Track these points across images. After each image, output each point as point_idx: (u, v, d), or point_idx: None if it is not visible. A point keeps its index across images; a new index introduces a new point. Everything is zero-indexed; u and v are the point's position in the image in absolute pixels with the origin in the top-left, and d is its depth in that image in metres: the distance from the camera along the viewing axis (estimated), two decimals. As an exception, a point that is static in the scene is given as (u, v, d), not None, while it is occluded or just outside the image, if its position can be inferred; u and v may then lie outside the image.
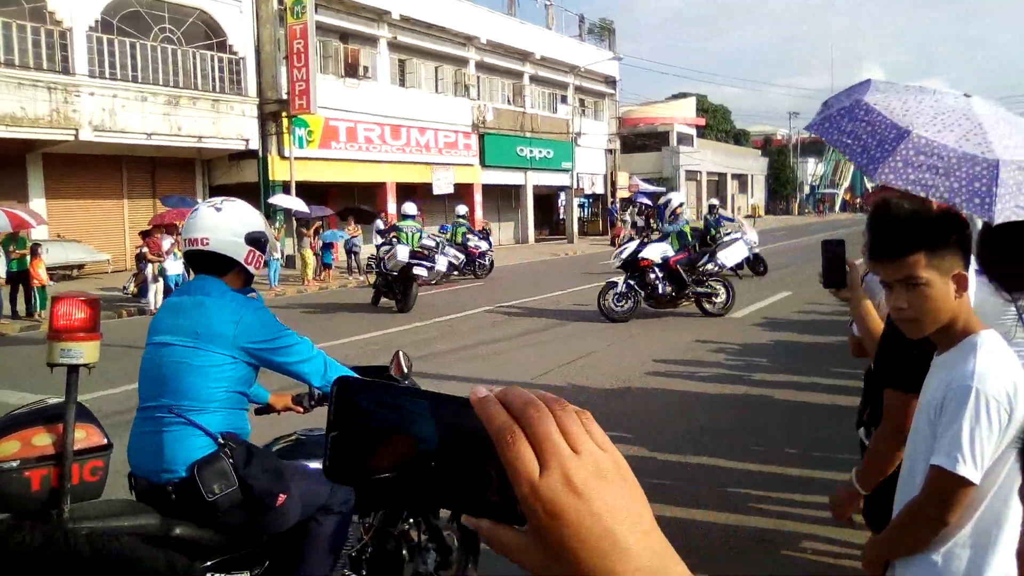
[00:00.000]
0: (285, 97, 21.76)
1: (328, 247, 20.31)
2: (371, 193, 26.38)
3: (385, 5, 25.65)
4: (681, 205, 13.20)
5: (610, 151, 39.50)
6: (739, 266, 16.78)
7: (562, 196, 37.44)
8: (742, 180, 60.87)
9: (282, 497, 2.48)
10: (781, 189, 64.69)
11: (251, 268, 2.68)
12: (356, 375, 2.75)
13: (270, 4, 21.81)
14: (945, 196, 2.35)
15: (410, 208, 15.38)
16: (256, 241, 2.66)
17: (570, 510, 0.51)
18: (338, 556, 2.77)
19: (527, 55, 32.97)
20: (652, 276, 12.04)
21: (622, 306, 12.08)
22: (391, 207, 25.85)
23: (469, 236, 20.12)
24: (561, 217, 37.41)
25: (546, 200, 37.24)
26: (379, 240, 21.72)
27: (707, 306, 12.42)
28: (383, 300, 14.49)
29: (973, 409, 1.66)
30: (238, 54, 21.59)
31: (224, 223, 2.60)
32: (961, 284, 1.75)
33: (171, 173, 22.11)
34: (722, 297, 12.35)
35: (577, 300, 15.06)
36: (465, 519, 0.55)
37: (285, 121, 21.92)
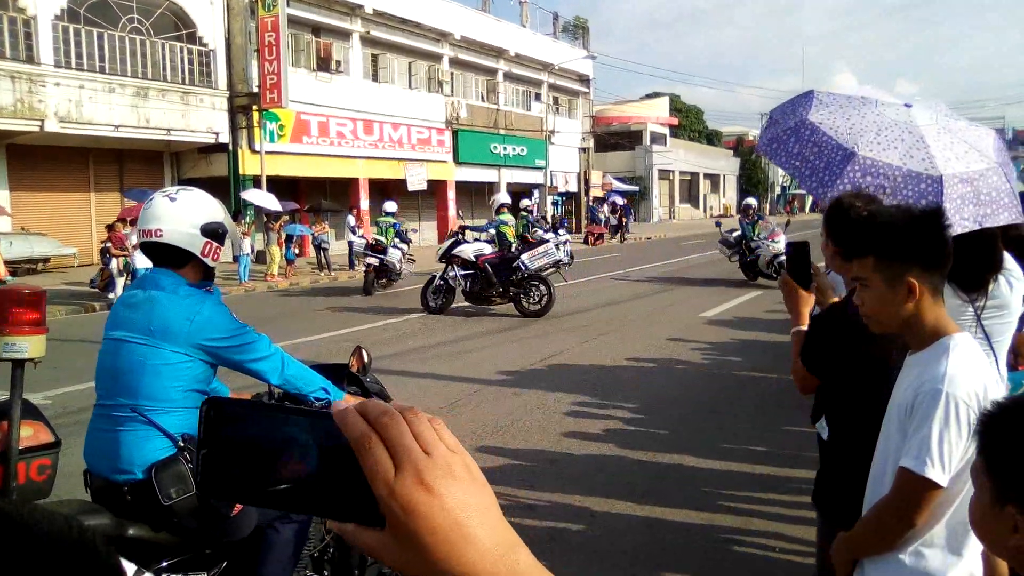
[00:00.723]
0: (256, 90, 21.49)
1: (289, 240, 20.13)
2: (343, 189, 26.16)
3: (358, -1, 25.46)
4: (504, 205, 13.96)
5: (584, 149, 39.57)
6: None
7: (535, 194, 37.40)
8: (714, 180, 61.33)
9: (238, 507, 2.40)
10: (752, 189, 65.20)
11: (208, 261, 2.57)
12: (314, 372, 2.68)
13: (241, -4, 21.54)
14: None
15: (389, 205, 16.83)
16: (213, 233, 2.55)
17: (423, 506, 0.55)
18: (297, 560, 2.69)
19: (501, 52, 32.89)
20: (452, 273, 12.70)
21: (436, 299, 12.78)
22: (363, 203, 25.67)
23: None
24: (533, 215, 37.37)
25: (520, 197, 37.18)
26: (352, 236, 21.61)
27: (525, 305, 12.53)
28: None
29: (943, 412, 1.66)
30: (208, 46, 21.27)
31: (179, 214, 2.49)
32: (912, 291, 1.75)
33: (139, 166, 21.74)
34: (537, 298, 12.45)
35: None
36: (331, 524, 0.59)
37: (256, 115, 21.65)
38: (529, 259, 12.32)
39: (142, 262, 14.14)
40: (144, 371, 2.36)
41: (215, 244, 2.55)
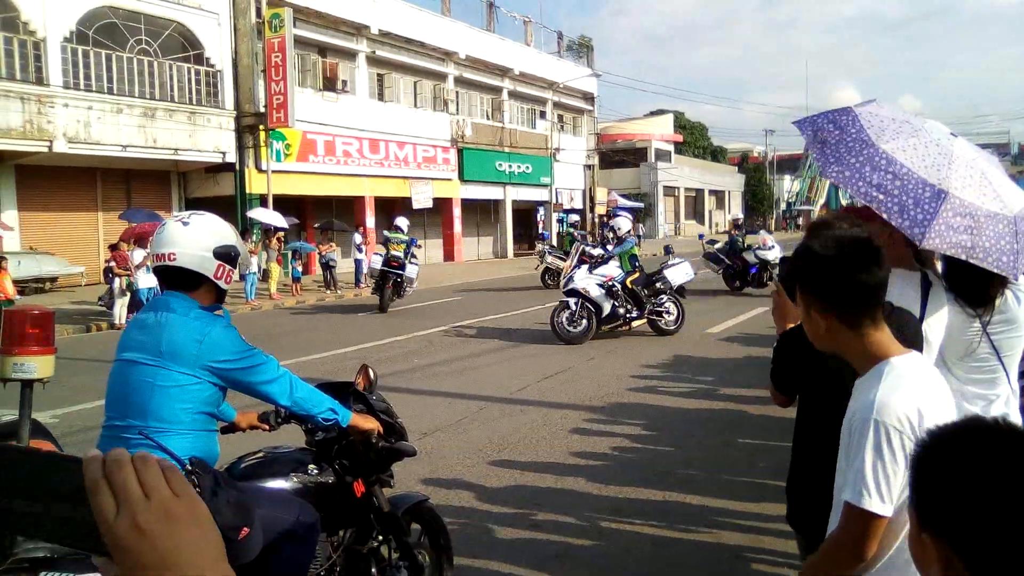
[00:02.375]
0: (263, 110, 21.65)
1: (294, 258, 20.18)
2: (349, 207, 26.26)
3: (364, 20, 25.64)
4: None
5: (589, 166, 39.68)
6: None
7: (541, 211, 37.50)
8: (719, 196, 61.35)
9: (245, 531, 2.40)
10: (758, 206, 65.20)
11: (221, 283, 2.60)
12: (322, 393, 2.69)
13: (248, 17, 21.73)
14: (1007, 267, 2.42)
15: (401, 222, 16.82)
16: (226, 256, 2.58)
17: (134, 547, 0.63)
18: None
19: (506, 71, 33.09)
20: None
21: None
22: (369, 221, 25.76)
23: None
24: (540, 232, 37.47)
25: (525, 215, 37.28)
26: (359, 254, 21.73)
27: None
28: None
29: (873, 441, 1.64)
30: (215, 67, 21.46)
31: (192, 237, 2.53)
32: (815, 323, 1.81)
33: (147, 186, 21.88)
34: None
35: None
36: (95, 559, 0.68)
37: (263, 134, 21.79)
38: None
39: (145, 282, 14.22)
40: (153, 393, 2.38)
41: (228, 267, 2.58)
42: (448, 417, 7.36)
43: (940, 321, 2.59)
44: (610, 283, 11.90)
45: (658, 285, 12.36)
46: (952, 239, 2.38)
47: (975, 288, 2.59)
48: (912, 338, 2.26)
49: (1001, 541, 0.88)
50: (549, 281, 19.74)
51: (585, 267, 12.26)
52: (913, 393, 1.68)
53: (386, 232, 17.26)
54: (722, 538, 4.53)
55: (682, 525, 4.71)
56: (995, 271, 2.49)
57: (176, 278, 2.54)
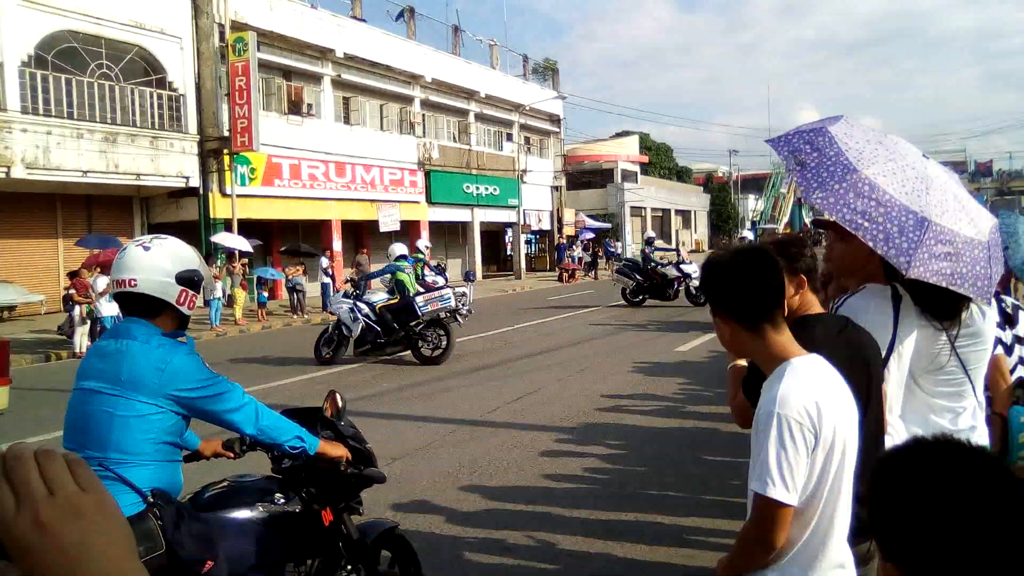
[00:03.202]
0: (227, 134, 21.47)
1: (261, 283, 19.95)
2: (316, 231, 26.08)
3: (329, 44, 25.62)
4: (403, 255, 12.97)
5: (556, 188, 39.89)
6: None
7: (509, 232, 37.57)
8: (685, 216, 61.99)
9: (209, 563, 2.33)
10: (723, 225, 66.01)
11: (184, 309, 2.53)
12: (288, 420, 2.63)
13: (211, 41, 21.60)
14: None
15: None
16: (189, 281, 2.52)
17: (35, 546, 0.59)
18: None
19: (472, 93, 33.22)
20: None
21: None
22: (336, 245, 25.59)
23: (427, 271, 20.10)
24: (508, 253, 37.51)
25: (493, 236, 37.33)
26: (326, 278, 21.48)
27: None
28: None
29: (776, 433, 1.73)
30: (178, 91, 21.25)
31: (153, 262, 2.46)
32: (721, 331, 1.95)
33: (108, 212, 21.52)
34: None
35: (525, 336, 15.02)
36: None
37: (227, 158, 21.59)
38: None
39: (107, 310, 13.94)
40: (113, 423, 2.30)
41: (191, 292, 2.52)
42: (417, 441, 7.28)
43: (911, 334, 2.61)
44: (362, 308, 12.20)
45: (415, 315, 12.07)
46: (934, 267, 2.41)
47: (942, 303, 2.62)
48: (871, 357, 2.27)
49: (954, 563, 0.87)
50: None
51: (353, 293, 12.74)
52: (812, 388, 1.77)
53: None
54: (696, 559, 4.51)
55: (656, 546, 4.69)
56: (972, 296, 2.52)
57: (137, 304, 2.47)
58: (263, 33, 22.69)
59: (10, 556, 0.60)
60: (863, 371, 2.22)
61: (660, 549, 4.64)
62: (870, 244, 2.42)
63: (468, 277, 20.79)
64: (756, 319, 1.89)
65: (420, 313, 12.00)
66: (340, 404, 3.00)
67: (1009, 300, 3.31)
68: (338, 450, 2.76)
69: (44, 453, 0.64)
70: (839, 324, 2.34)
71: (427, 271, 18.79)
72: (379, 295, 12.72)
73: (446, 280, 19.84)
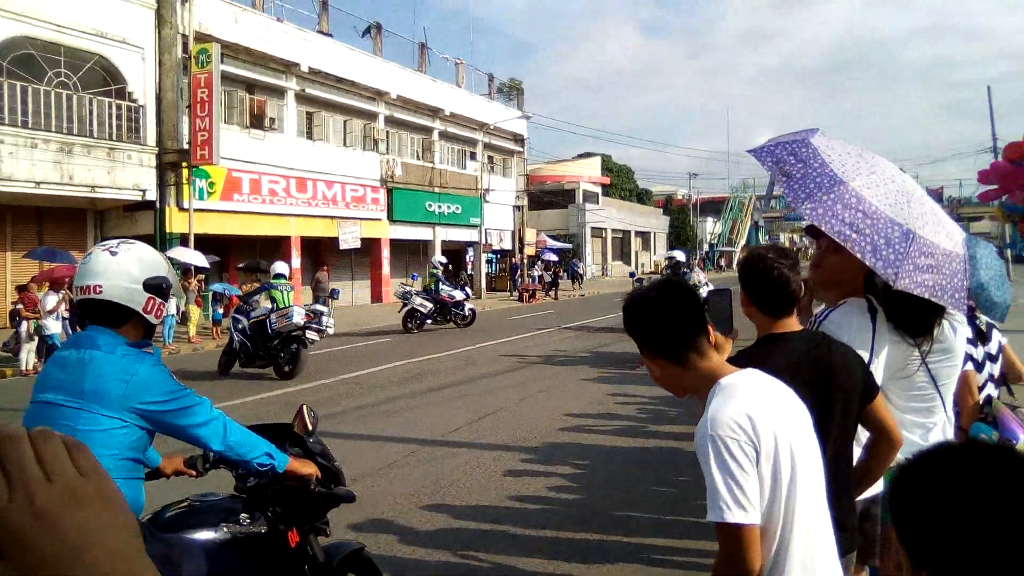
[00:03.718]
0: (186, 147, 21.12)
1: (216, 300, 19.59)
2: (275, 247, 25.74)
3: (294, 57, 25.44)
4: (281, 275, 13.39)
5: (518, 207, 40.00)
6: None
7: (470, 252, 37.54)
8: (645, 237, 62.63)
9: None
10: (682, 247, 66.84)
11: (151, 318, 2.43)
12: (257, 436, 2.55)
13: (174, 52, 21.30)
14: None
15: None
16: (157, 288, 2.42)
17: (31, 536, 0.54)
18: None
19: (437, 111, 33.24)
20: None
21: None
22: (296, 261, 25.28)
23: (442, 286, 20.61)
24: (469, 273, 37.46)
25: (455, 255, 37.26)
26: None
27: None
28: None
29: (714, 455, 1.69)
30: (138, 101, 20.87)
31: (120, 268, 2.36)
32: (652, 371, 1.93)
33: (60, 225, 20.98)
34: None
35: (485, 355, 14.95)
36: None
37: (185, 172, 21.23)
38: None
39: (54, 328, 13.53)
40: (74, 438, 2.20)
41: (159, 300, 2.42)
42: (378, 461, 7.17)
43: (884, 349, 2.64)
44: (239, 322, 12.89)
45: (270, 332, 12.54)
46: (919, 279, 2.44)
47: (916, 318, 2.65)
48: (842, 378, 2.29)
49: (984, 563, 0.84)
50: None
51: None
52: (741, 402, 1.74)
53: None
54: (662, 579, 4.49)
55: (622, 565, 4.66)
56: (950, 307, 2.56)
57: (101, 312, 2.36)
58: (227, 45, 22.45)
59: (2, 552, 0.55)
60: (826, 391, 2.23)
61: (628, 568, 4.60)
62: (859, 255, 2.45)
63: (333, 295, 21.57)
64: (680, 350, 1.87)
65: (272, 330, 12.44)
66: (308, 421, 2.92)
67: (984, 318, 3.37)
68: (308, 468, 2.68)
69: (41, 434, 0.59)
70: (810, 343, 2.34)
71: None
72: (256, 310, 13.20)
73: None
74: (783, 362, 2.17)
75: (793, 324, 2.37)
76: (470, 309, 21.27)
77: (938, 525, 0.89)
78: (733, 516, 1.65)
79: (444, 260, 22.55)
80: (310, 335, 12.80)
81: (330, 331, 13.64)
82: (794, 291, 2.30)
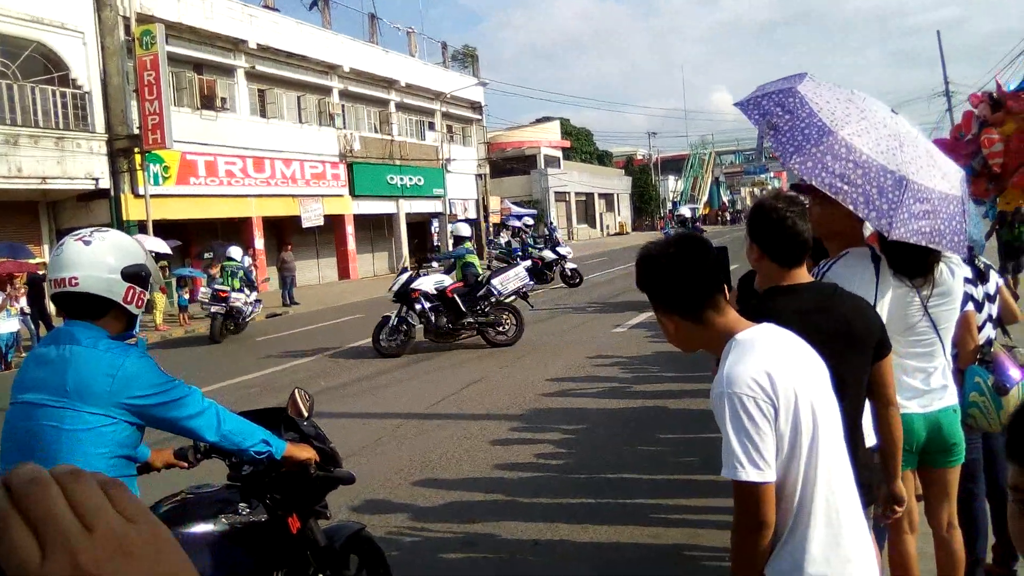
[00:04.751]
0: (137, 132, 20.52)
1: (181, 285, 19.23)
2: (236, 229, 25.27)
3: (241, 35, 24.78)
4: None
5: (480, 176, 39.72)
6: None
7: (435, 223, 37.25)
8: (609, 199, 62.69)
9: None
10: (645, 206, 67.04)
11: (132, 308, 2.31)
12: (252, 423, 2.45)
13: (116, 35, 20.57)
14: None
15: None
16: (136, 276, 2.29)
17: None
18: None
19: (392, 83, 32.71)
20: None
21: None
22: (258, 243, 24.87)
23: (531, 248, 20.97)
24: (436, 244, 37.18)
25: (419, 228, 36.95)
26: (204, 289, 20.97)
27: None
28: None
29: (731, 413, 1.68)
30: (83, 88, 20.18)
31: (96, 258, 2.22)
32: (666, 327, 1.88)
33: (11, 218, 20.29)
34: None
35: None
36: None
37: (138, 157, 20.63)
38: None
39: (6, 326, 13.10)
40: (61, 438, 2.07)
41: (139, 289, 2.30)
42: (364, 439, 7.08)
43: (888, 297, 2.60)
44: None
45: (491, 296, 11.68)
46: (914, 226, 2.39)
47: (914, 260, 2.61)
48: (855, 329, 2.23)
49: None
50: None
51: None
52: (759, 358, 1.72)
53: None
54: (660, 537, 4.49)
55: (620, 526, 4.64)
56: (950, 252, 2.51)
57: (79, 305, 2.23)
58: (171, 25, 21.75)
59: None
60: (840, 343, 2.16)
61: (625, 530, 4.59)
62: (851, 208, 2.39)
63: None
64: (699, 308, 1.82)
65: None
66: (301, 404, 2.82)
67: (982, 258, 3.35)
68: (306, 452, 2.58)
69: (70, 475, 0.47)
70: (821, 294, 2.28)
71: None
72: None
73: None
74: (794, 314, 2.11)
75: (803, 275, 2.31)
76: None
77: None
78: (747, 474, 1.65)
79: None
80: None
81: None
82: (807, 239, 2.23)
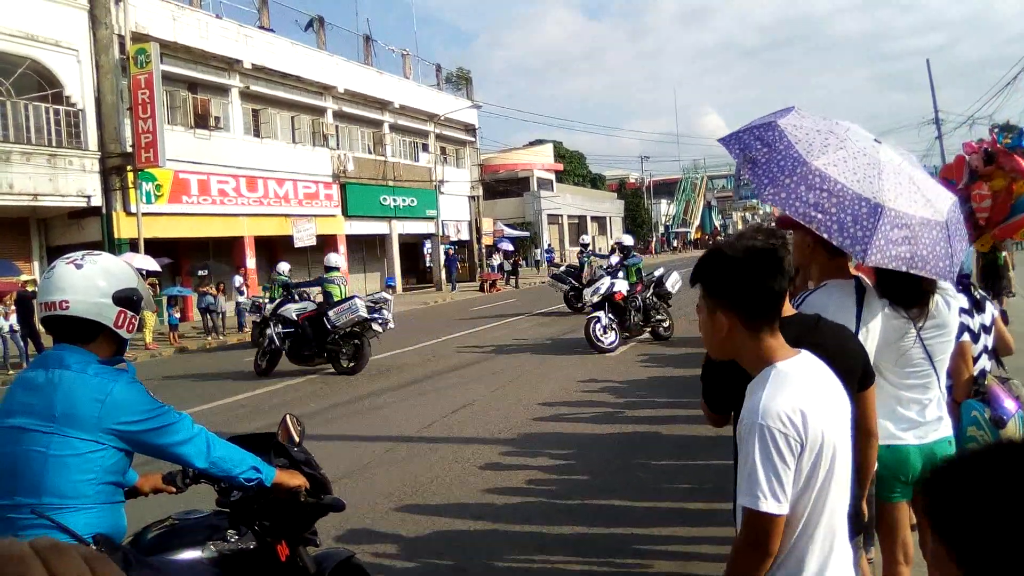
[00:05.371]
0: (130, 150, 20.50)
1: (172, 304, 19.13)
2: (228, 248, 25.21)
3: (236, 54, 24.87)
4: (336, 268, 13.37)
5: (473, 198, 39.80)
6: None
7: (427, 244, 37.25)
8: (601, 222, 62.86)
9: None
10: (638, 229, 67.30)
11: (123, 332, 2.28)
12: (242, 449, 2.41)
13: (111, 53, 20.62)
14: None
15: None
16: (127, 300, 2.27)
17: None
18: None
19: (386, 104, 32.83)
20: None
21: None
22: (249, 262, 24.80)
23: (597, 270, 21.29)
24: (428, 265, 37.16)
25: (412, 248, 36.95)
26: (240, 297, 20.83)
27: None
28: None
29: (760, 445, 1.70)
30: (76, 105, 20.18)
31: (86, 282, 2.20)
32: (719, 325, 1.85)
33: (1, 235, 20.21)
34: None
35: (455, 347, 14.82)
36: None
37: (130, 175, 20.61)
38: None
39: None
40: (48, 464, 2.03)
41: (130, 313, 2.27)
42: (353, 462, 7.02)
43: (875, 327, 2.59)
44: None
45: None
46: (892, 252, 2.39)
47: (908, 292, 2.61)
48: (836, 358, 2.23)
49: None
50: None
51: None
52: (795, 395, 1.73)
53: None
54: (652, 567, 4.44)
55: (610, 557, 4.59)
56: (933, 278, 2.51)
57: (69, 329, 2.20)
58: (166, 44, 21.83)
59: None
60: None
61: (618, 559, 4.54)
62: (824, 235, 2.41)
63: (389, 283, 20.81)
64: (759, 319, 1.84)
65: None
66: (292, 430, 2.79)
67: (979, 289, 3.36)
68: (296, 479, 2.55)
69: (52, 549, 0.45)
70: (803, 327, 2.28)
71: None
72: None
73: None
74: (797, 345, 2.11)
75: (785, 308, 2.31)
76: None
77: (984, 525, 0.86)
78: (768, 506, 1.67)
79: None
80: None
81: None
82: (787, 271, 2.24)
